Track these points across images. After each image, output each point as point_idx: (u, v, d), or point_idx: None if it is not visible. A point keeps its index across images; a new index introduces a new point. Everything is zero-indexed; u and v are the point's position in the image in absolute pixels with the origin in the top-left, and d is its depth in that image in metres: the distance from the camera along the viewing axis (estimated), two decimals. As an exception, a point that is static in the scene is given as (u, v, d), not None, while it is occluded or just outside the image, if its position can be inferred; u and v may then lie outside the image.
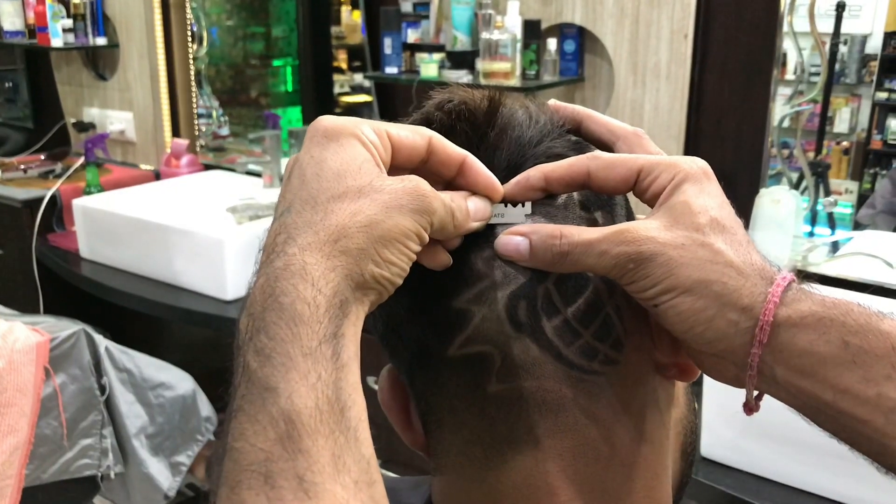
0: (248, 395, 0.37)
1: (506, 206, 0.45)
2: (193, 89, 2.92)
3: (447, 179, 0.45)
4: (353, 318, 0.39)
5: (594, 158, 0.45)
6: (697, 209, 0.42)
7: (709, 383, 1.30)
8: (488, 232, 0.45)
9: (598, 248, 0.42)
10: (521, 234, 0.44)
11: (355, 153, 0.41)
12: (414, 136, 0.43)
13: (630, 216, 0.49)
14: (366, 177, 0.40)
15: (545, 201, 0.46)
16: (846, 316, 0.40)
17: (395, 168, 0.43)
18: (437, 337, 0.45)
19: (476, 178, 0.45)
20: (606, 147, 0.49)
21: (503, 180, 0.46)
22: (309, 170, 0.41)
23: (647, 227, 0.42)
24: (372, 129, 0.42)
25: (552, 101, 0.50)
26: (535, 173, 0.45)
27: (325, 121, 0.43)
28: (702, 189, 0.43)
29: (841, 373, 0.39)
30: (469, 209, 0.44)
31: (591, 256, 0.42)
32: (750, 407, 0.44)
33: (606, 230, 0.43)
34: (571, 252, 0.43)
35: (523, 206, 0.45)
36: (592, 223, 0.46)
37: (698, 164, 0.44)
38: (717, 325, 0.41)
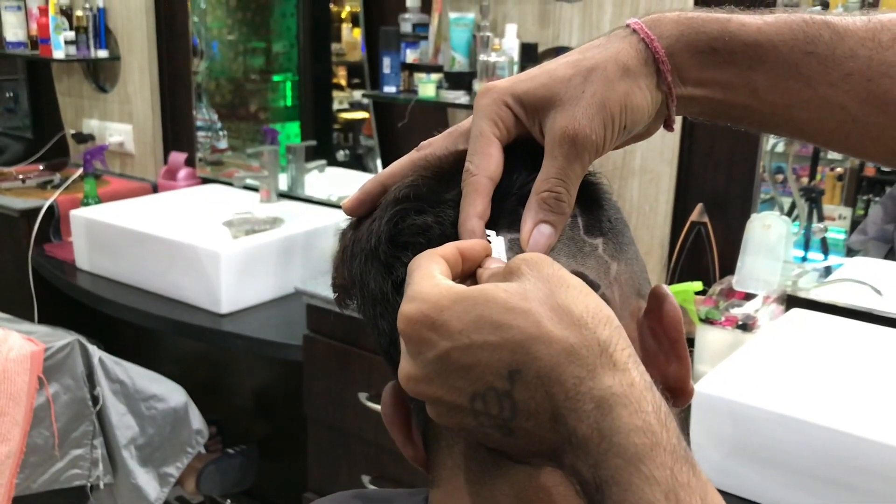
0: None
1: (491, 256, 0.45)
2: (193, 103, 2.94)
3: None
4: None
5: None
6: None
7: (697, 406, 1.32)
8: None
9: None
10: (533, 229, 0.45)
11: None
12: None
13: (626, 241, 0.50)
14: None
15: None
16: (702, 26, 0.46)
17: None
18: None
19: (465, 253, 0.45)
20: None
21: None
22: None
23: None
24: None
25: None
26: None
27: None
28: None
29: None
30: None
31: None
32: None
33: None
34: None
35: (490, 238, 0.46)
36: (593, 249, 0.47)
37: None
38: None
